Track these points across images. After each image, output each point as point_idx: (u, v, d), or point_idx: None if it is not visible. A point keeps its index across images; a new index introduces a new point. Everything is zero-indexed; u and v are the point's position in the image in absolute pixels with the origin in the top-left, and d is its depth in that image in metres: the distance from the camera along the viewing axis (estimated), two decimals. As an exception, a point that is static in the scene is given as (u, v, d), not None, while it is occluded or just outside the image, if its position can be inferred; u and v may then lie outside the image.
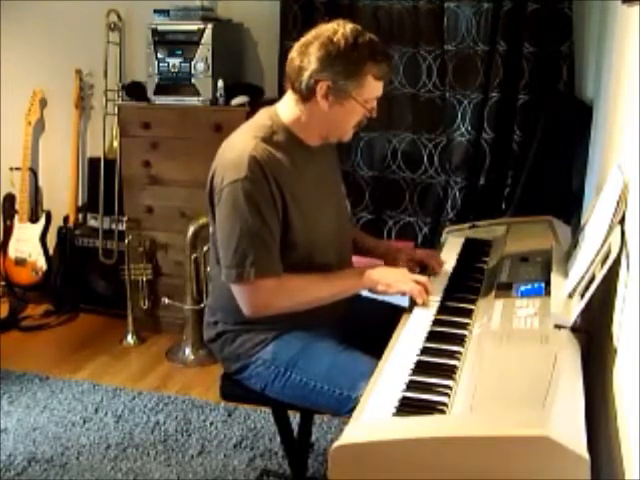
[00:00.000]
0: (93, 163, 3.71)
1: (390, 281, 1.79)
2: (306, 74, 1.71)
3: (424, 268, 1.99)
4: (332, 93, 1.71)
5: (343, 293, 1.83)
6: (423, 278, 1.81)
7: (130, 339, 3.45)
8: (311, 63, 1.70)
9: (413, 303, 1.77)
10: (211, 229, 1.86)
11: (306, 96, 1.74)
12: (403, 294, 1.80)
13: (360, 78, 1.71)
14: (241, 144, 1.74)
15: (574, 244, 1.74)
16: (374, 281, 1.80)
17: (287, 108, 1.80)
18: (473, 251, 2.09)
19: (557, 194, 2.66)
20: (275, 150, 1.74)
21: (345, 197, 2.03)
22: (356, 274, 1.84)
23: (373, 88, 1.74)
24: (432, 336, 1.59)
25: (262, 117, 1.82)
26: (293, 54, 1.75)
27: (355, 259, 2.05)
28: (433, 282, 1.87)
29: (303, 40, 1.75)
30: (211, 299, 1.98)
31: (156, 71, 3.23)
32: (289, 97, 1.79)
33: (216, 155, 1.80)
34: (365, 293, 1.98)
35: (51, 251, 3.76)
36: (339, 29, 1.72)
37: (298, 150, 1.79)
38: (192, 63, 3.18)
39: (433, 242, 3.16)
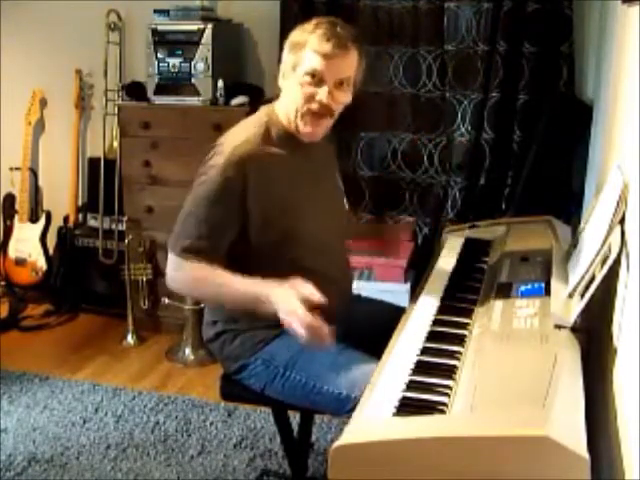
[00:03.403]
0: (93, 163, 3.71)
1: (283, 312, 1.60)
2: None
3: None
4: (282, 69, 1.77)
5: (243, 297, 1.70)
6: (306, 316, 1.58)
7: (130, 339, 3.45)
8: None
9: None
10: None
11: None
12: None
13: (296, 46, 1.74)
14: (234, 136, 1.78)
15: (574, 244, 1.74)
16: (272, 302, 1.63)
17: (281, 105, 1.83)
18: (473, 251, 2.09)
19: (557, 194, 2.66)
20: (266, 146, 1.76)
21: (343, 195, 2.03)
22: (262, 286, 1.66)
23: (310, 60, 1.71)
24: (432, 336, 1.59)
25: (260, 113, 1.86)
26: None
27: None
28: (433, 282, 1.87)
29: None
30: (211, 299, 1.98)
31: (156, 71, 3.23)
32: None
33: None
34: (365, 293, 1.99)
35: (51, 251, 3.76)
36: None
37: (291, 146, 1.80)
38: (192, 63, 3.18)
39: (433, 242, 3.16)
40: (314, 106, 1.74)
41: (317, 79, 1.72)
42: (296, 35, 1.76)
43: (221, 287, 1.73)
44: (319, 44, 1.70)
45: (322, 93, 1.72)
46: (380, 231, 2.08)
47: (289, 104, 1.77)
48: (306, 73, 1.72)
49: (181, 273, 1.77)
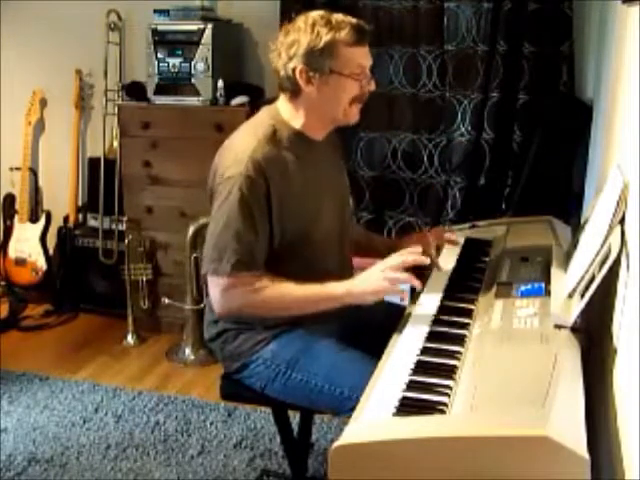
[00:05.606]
0: (93, 163, 3.71)
1: (373, 287, 1.68)
2: (282, 69, 1.74)
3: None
4: (313, 76, 1.71)
5: (323, 307, 1.75)
6: (395, 260, 1.68)
7: (130, 339, 3.45)
8: (282, 57, 1.73)
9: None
10: None
11: (293, 89, 1.75)
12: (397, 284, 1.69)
13: (330, 50, 1.70)
14: (243, 142, 1.74)
15: (574, 244, 1.74)
16: (355, 296, 1.70)
17: (285, 108, 1.81)
18: (473, 251, 2.09)
19: (557, 194, 2.66)
20: (278, 148, 1.75)
21: (349, 193, 2.03)
22: (337, 291, 1.72)
23: (352, 56, 1.72)
24: (432, 336, 1.59)
25: (264, 116, 1.83)
26: (270, 57, 1.78)
27: (355, 260, 2.05)
28: (433, 282, 1.87)
29: (273, 42, 1.77)
30: (211, 298, 1.98)
31: (156, 71, 3.23)
32: (282, 99, 1.81)
33: (217, 153, 1.80)
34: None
35: (51, 251, 3.76)
36: (297, 18, 1.75)
37: (301, 146, 1.79)
38: (192, 63, 3.18)
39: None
40: (365, 96, 1.78)
41: (365, 71, 1.76)
42: (308, 36, 1.69)
43: (287, 297, 1.71)
44: (350, 36, 1.71)
45: (372, 83, 1.78)
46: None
47: (332, 104, 1.75)
48: (361, 68, 1.74)
49: (239, 291, 1.69)
